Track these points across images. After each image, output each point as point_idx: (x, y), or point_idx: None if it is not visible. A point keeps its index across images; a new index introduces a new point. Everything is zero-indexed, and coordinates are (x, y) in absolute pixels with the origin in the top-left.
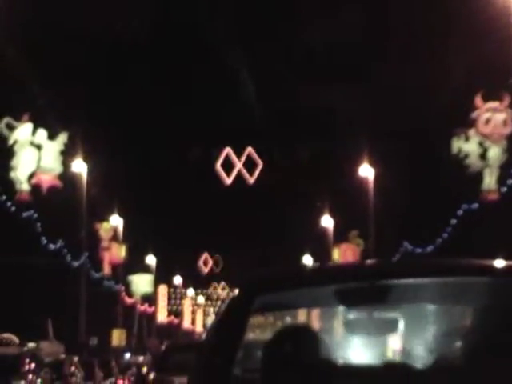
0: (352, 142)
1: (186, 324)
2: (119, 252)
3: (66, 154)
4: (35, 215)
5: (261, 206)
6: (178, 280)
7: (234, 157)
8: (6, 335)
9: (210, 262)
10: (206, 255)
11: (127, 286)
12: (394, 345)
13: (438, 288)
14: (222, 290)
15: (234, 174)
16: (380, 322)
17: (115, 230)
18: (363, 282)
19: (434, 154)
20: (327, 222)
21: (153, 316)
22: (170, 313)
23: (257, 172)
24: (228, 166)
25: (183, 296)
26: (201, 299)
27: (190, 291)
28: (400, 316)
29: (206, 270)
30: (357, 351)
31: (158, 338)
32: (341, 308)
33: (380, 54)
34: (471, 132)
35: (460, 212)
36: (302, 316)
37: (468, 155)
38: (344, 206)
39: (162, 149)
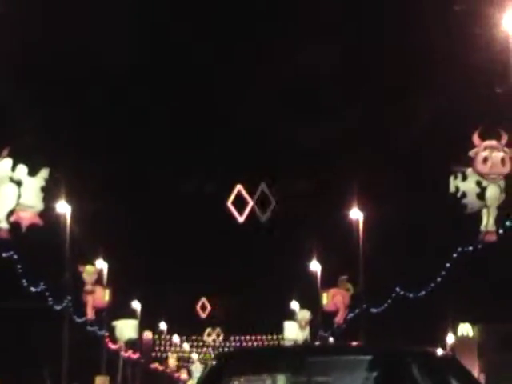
0: (341, 185)
1: (171, 369)
2: (103, 296)
3: (49, 195)
4: (15, 256)
5: (248, 248)
6: (163, 326)
7: (244, 194)
8: None
9: (209, 307)
10: (203, 300)
11: (111, 331)
12: None
13: (349, 362)
14: (209, 336)
15: (246, 211)
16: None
17: (99, 273)
18: (306, 358)
19: (428, 195)
20: (315, 266)
21: (137, 363)
22: (154, 359)
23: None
24: (239, 203)
25: (168, 342)
26: (186, 346)
27: (176, 337)
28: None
29: (203, 315)
30: None
31: None
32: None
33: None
34: (469, 171)
35: (454, 255)
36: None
37: (465, 194)
38: (333, 251)
39: (147, 190)
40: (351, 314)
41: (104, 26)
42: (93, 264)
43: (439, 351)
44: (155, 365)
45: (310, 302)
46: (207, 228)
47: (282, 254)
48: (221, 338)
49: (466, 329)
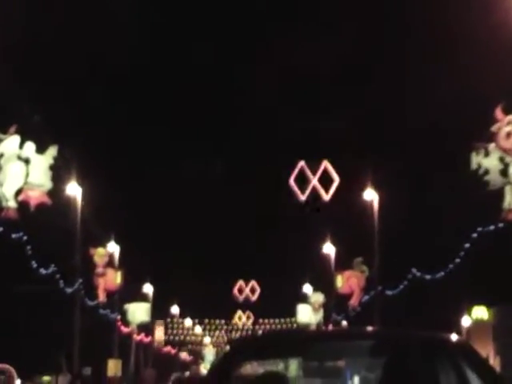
0: (355, 165)
1: (184, 354)
2: (115, 279)
3: (58, 173)
4: (25, 237)
5: (261, 231)
6: (175, 309)
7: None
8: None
9: (247, 290)
10: (241, 282)
11: (123, 314)
12: None
13: (361, 347)
14: (240, 320)
15: (308, 189)
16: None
17: (111, 256)
18: (319, 344)
19: (447, 173)
20: (329, 249)
21: (149, 346)
22: (166, 343)
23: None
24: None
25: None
26: (198, 329)
27: (188, 321)
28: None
29: (241, 298)
30: None
31: (155, 368)
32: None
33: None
34: (491, 146)
35: (474, 235)
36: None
37: (488, 171)
38: (348, 233)
39: (163, 169)
40: (366, 297)
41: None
42: (104, 247)
43: (453, 337)
44: (167, 348)
45: (324, 284)
46: (221, 211)
47: (295, 236)
48: (250, 321)
49: (480, 312)
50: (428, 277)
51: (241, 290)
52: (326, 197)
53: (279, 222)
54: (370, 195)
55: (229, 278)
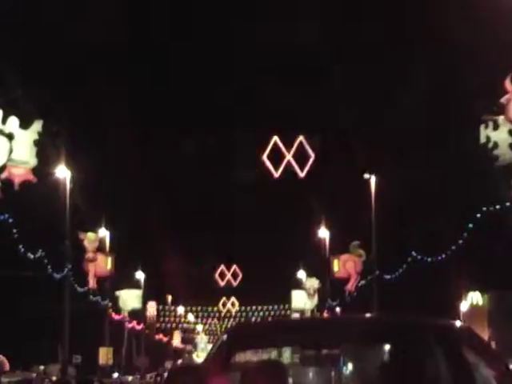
0: (349, 144)
1: (176, 342)
2: (105, 264)
3: (44, 150)
4: (10, 220)
5: (250, 215)
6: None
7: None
8: None
9: (228, 274)
10: (222, 267)
11: (114, 301)
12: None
13: (360, 335)
14: (223, 307)
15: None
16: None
17: (101, 241)
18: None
19: (449, 150)
20: (323, 233)
21: (142, 334)
22: (159, 330)
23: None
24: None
25: (173, 313)
26: (191, 317)
27: (180, 309)
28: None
29: (222, 284)
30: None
31: (147, 356)
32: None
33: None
34: (500, 119)
35: (479, 215)
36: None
37: (497, 145)
38: (343, 216)
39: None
40: (362, 282)
41: None
42: (94, 232)
43: (457, 323)
44: (159, 336)
45: (319, 270)
46: (211, 192)
47: (288, 220)
48: (235, 308)
49: (475, 297)
50: (429, 259)
51: (223, 275)
52: (301, 174)
53: (271, 205)
54: (367, 175)
55: (217, 264)
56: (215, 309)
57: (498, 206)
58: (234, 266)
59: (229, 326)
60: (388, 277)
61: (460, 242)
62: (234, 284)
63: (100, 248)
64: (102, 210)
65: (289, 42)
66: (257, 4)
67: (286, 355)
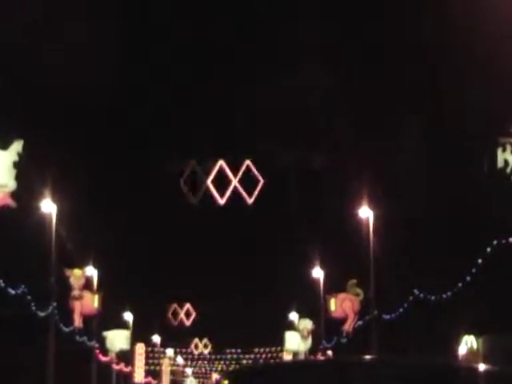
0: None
1: None
2: (92, 302)
3: (34, 191)
4: None
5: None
6: (156, 338)
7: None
8: None
9: (194, 314)
10: (188, 306)
11: (101, 342)
12: None
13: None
14: (204, 348)
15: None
16: None
17: (88, 279)
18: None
19: (456, 177)
20: (318, 273)
21: (129, 376)
22: (147, 373)
23: (257, 190)
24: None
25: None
26: (180, 359)
27: (169, 350)
28: None
29: (188, 323)
30: None
31: None
32: None
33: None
34: None
35: (489, 249)
36: None
37: None
38: (339, 254)
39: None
40: (360, 322)
41: None
42: (80, 268)
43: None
44: (148, 379)
45: (312, 310)
46: (204, 235)
47: (278, 257)
48: (208, 349)
49: (470, 340)
50: (432, 298)
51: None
52: (249, 200)
53: (265, 247)
54: (366, 212)
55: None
56: (202, 351)
57: (511, 239)
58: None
59: (219, 368)
60: (387, 316)
61: (468, 278)
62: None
63: (87, 285)
64: (90, 247)
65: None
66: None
67: None
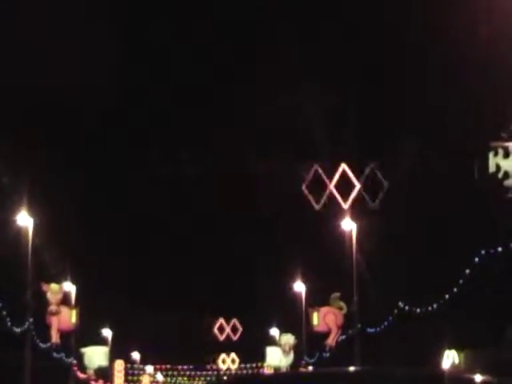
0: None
1: None
2: (69, 318)
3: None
4: None
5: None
6: (135, 355)
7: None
8: None
9: (227, 329)
10: (221, 320)
11: (79, 359)
12: None
13: None
14: (224, 363)
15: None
16: None
17: (66, 295)
18: None
19: (444, 182)
20: (299, 287)
21: None
22: None
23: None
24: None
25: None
26: (160, 376)
27: (149, 368)
28: None
29: (222, 338)
30: None
31: None
32: None
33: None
34: (511, 146)
35: (476, 259)
36: None
37: (508, 175)
38: (321, 267)
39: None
40: (343, 337)
41: None
42: (57, 283)
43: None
44: None
45: (294, 325)
46: (183, 248)
47: (257, 272)
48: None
49: (451, 355)
50: (417, 310)
51: (222, 329)
52: (345, 205)
53: (244, 261)
54: (349, 224)
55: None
56: (185, 367)
57: (499, 248)
58: (234, 321)
59: None
60: (371, 330)
61: (455, 289)
62: (234, 338)
63: (64, 301)
64: (68, 261)
65: None
66: None
67: None
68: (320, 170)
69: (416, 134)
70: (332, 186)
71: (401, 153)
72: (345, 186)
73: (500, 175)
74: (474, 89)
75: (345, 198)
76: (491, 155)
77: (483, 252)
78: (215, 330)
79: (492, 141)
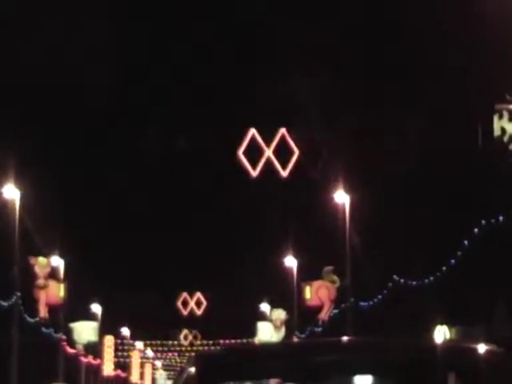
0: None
1: (135, 378)
2: (57, 292)
3: None
4: None
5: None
6: (125, 331)
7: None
8: None
9: (191, 303)
10: (185, 295)
11: (68, 334)
12: None
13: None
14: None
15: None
16: None
17: (54, 270)
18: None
19: (442, 151)
20: (291, 262)
21: (98, 369)
22: (116, 366)
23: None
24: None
25: (131, 348)
26: (150, 352)
27: (139, 344)
28: None
29: (185, 312)
30: None
31: None
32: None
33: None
34: None
35: (476, 230)
36: None
37: None
38: (314, 240)
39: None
40: (335, 311)
41: None
42: (45, 256)
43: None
44: (117, 371)
45: (285, 300)
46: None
47: (249, 247)
48: (198, 340)
49: (442, 331)
50: (413, 283)
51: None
52: (284, 173)
53: (234, 236)
54: (342, 197)
55: (175, 296)
56: (175, 342)
57: (500, 217)
58: (198, 294)
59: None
60: (365, 304)
61: (453, 261)
62: (198, 313)
63: (52, 275)
64: (56, 235)
65: None
66: None
67: None
68: (257, 135)
69: (417, 101)
70: (270, 152)
71: (400, 119)
72: (284, 152)
73: (505, 139)
74: (478, 51)
75: (284, 165)
76: (496, 118)
77: (483, 222)
78: (193, 305)
79: (497, 103)
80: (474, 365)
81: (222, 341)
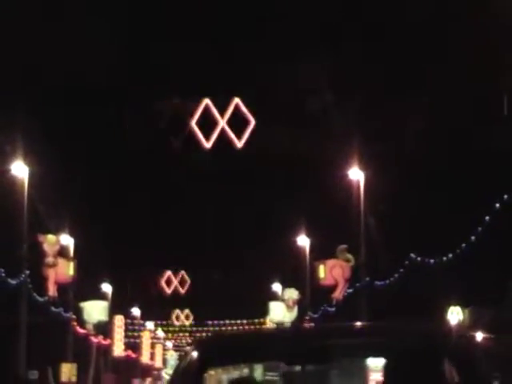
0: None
1: (145, 359)
2: (67, 270)
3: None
4: None
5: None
6: (136, 311)
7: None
8: None
9: (175, 282)
10: (169, 273)
11: (78, 313)
12: None
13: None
14: (186, 320)
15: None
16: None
17: (64, 248)
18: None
19: (459, 129)
20: (303, 241)
21: (108, 349)
22: (127, 346)
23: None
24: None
25: (142, 328)
26: (160, 332)
27: (149, 324)
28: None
29: (169, 291)
30: None
31: (115, 373)
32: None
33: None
34: None
35: (498, 205)
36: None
37: None
38: (328, 218)
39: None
40: (350, 290)
41: None
42: (54, 233)
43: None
44: (128, 352)
45: (297, 280)
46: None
47: (261, 225)
48: (190, 321)
49: (456, 311)
50: (431, 261)
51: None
52: (239, 143)
53: (246, 215)
54: (356, 174)
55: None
56: (183, 322)
57: None
58: (182, 273)
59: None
60: (380, 283)
61: (473, 238)
62: (182, 291)
63: (61, 253)
64: (65, 213)
65: None
66: None
67: (258, 373)
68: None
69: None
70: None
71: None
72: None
73: None
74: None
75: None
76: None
77: (506, 197)
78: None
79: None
80: (469, 352)
81: (233, 321)
